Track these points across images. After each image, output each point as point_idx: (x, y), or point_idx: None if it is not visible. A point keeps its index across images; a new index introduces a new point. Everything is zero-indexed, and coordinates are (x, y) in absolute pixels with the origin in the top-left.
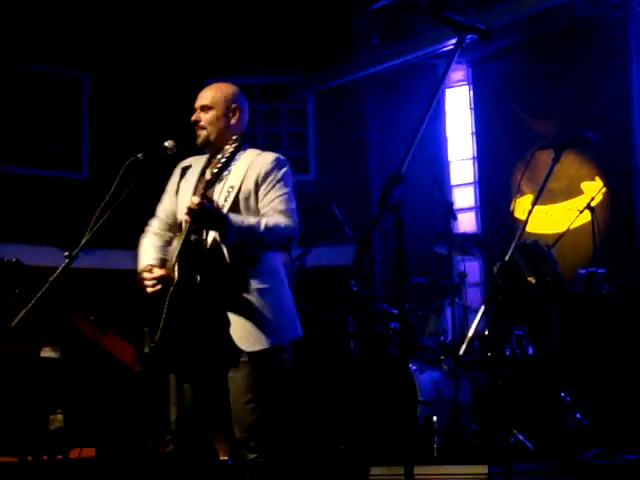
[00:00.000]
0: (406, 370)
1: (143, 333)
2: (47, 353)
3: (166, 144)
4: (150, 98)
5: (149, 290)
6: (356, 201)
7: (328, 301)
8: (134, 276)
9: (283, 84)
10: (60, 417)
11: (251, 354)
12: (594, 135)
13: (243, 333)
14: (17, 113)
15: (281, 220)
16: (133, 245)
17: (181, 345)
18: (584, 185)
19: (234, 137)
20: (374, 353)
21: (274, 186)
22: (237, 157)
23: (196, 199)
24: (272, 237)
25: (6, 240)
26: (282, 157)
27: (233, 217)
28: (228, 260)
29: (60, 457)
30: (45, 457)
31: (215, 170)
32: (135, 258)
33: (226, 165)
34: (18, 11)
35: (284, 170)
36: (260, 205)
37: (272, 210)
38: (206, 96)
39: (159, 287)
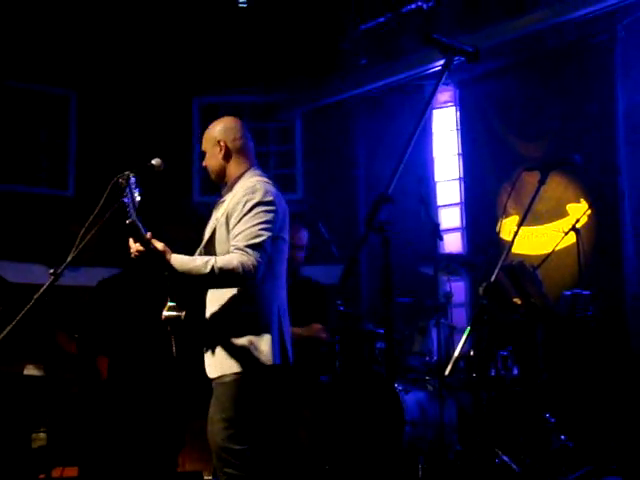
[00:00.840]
0: (392, 390)
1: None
2: (31, 371)
3: (153, 162)
4: (138, 116)
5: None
6: (343, 220)
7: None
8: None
9: (271, 103)
10: (43, 435)
11: (219, 379)
12: (580, 157)
13: (211, 361)
14: (3, 130)
15: (235, 258)
16: (118, 264)
17: (189, 375)
18: (569, 207)
19: (125, 175)
20: (360, 373)
21: (240, 220)
22: (235, 186)
23: (133, 246)
24: (219, 277)
25: None
26: (258, 185)
27: (175, 259)
28: (200, 294)
29: (43, 476)
30: (27, 476)
31: (128, 211)
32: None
33: (132, 208)
34: (5, 28)
35: (254, 201)
36: (229, 239)
37: (233, 247)
38: (202, 142)
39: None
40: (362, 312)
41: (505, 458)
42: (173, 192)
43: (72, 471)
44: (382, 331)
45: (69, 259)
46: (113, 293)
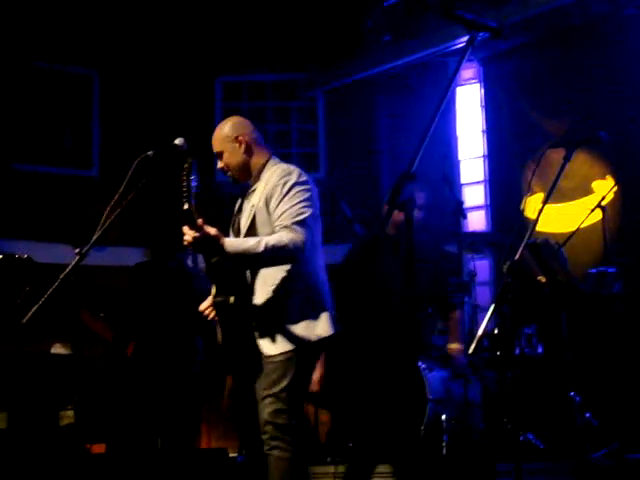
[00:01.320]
0: (415, 368)
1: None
2: (58, 349)
3: (176, 142)
4: (161, 96)
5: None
6: (366, 199)
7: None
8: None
9: (293, 82)
10: (70, 413)
11: (271, 356)
12: (605, 134)
13: (266, 340)
14: (27, 110)
15: (284, 236)
16: (143, 242)
17: (234, 357)
18: (595, 184)
19: (187, 161)
20: (383, 351)
21: (281, 201)
22: (262, 174)
23: (189, 232)
24: (272, 255)
25: (17, 237)
26: (292, 167)
27: (228, 242)
28: (249, 276)
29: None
30: (55, 453)
31: (184, 202)
32: (145, 255)
33: (187, 191)
34: (28, 8)
35: (291, 182)
36: (272, 221)
37: (279, 226)
38: (214, 144)
39: (214, 314)
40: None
41: (530, 436)
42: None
43: (99, 448)
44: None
45: (94, 239)
46: (147, 275)
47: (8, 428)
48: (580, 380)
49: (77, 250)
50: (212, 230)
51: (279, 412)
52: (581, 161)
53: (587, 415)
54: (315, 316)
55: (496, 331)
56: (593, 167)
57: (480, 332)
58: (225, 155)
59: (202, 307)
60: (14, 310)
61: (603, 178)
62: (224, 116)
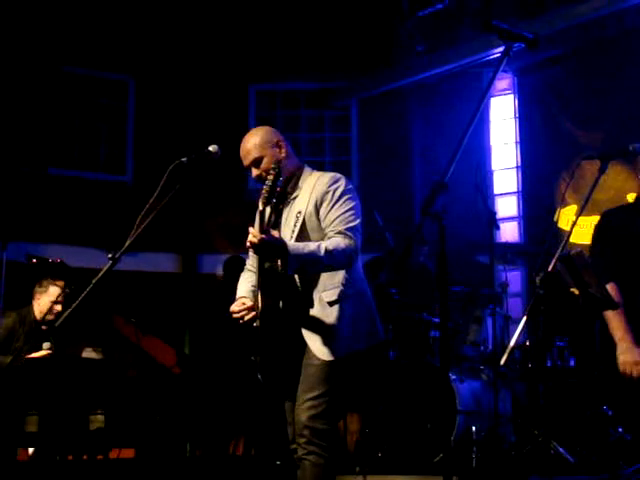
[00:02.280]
0: (446, 379)
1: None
2: (89, 354)
3: (210, 149)
4: (195, 103)
5: (242, 320)
6: (398, 208)
7: None
8: (176, 279)
9: (327, 90)
10: (101, 417)
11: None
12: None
13: (319, 345)
14: (63, 116)
15: (340, 241)
16: (175, 248)
17: (278, 366)
18: (630, 197)
19: (272, 167)
20: (414, 361)
21: (332, 207)
22: (301, 183)
23: (256, 233)
24: (332, 259)
25: (51, 241)
26: (338, 175)
27: (292, 246)
28: (299, 282)
29: (100, 457)
30: (85, 457)
31: (264, 202)
32: (177, 261)
33: (271, 195)
34: (66, 14)
35: (341, 189)
36: (323, 227)
37: (332, 232)
38: (249, 150)
39: (250, 316)
40: (417, 300)
41: (561, 450)
42: (229, 178)
43: (129, 452)
44: (437, 320)
45: (127, 244)
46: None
47: (39, 431)
48: (612, 394)
49: (110, 255)
50: (276, 233)
51: (318, 417)
52: (615, 173)
53: (619, 430)
54: (366, 324)
55: (528, 343)
56: (628, 180)
57: (512, 344)
58: (265, 160)
59: (234, 308)
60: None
61: (638, 191)
62: (258, 124)
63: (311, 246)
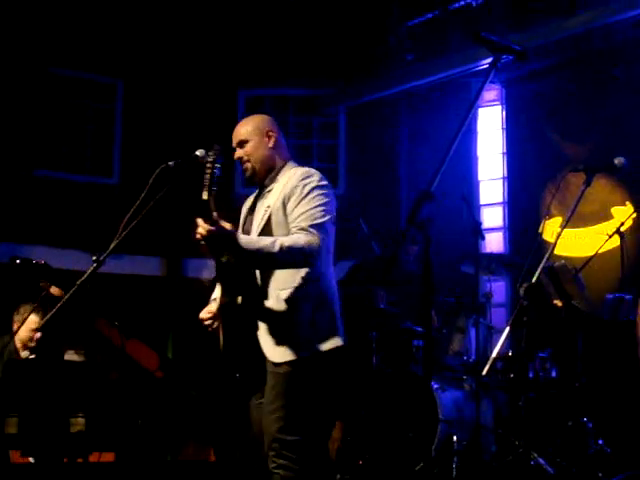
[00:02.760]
0: (428, 388)
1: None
2: (71, 356)
3: (197, 153)
4: (183, 107)
5: (210, 328)
6: (384, 217)
7: (352, 316)
8: (160, 282)
9: (316, 97)
10: (81, 420)
11: (280, 365)
12: (625, 160)
13: (271, 346)
14: (50, 117)
15: (300, 238)
16: (160, 252)
17: (240, 364)
18: (615, 210)
19: (210, 154)
20: (397, 370)
21: (300, 202)
22: (279, 177)
23: (204, 225)
24: (287, 256)
25: (35, 242)
26: (312, 170)
27: (244, 239)
28: (259, 278)
29: (80, 460)
30: (65, 460)
31: (207, 191)
32: (162, 265)
33: (211, 184)
34: (54, 15)
35: (312, 184)
36: (289, 222)
37: (295, 228)
38: (239, 132)
39: (215, 325)
40: (401, 309)
41: (541, 460)
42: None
43: (109, 456)
44: (420, 329)
45: (112, 246)
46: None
47: (18, 433)
48: (594, 406)
49: (94, 257)
50: (227, 225)
51: (286, 428)
52: (601, 186)
53: (600, 442)
54: (326, 325)
55: (510, 353)
56: (613, 193)
57: (494, 354)
58: (250, 144)
59: (202, 315)
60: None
61: (623, 204)
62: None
63: (265, 240)
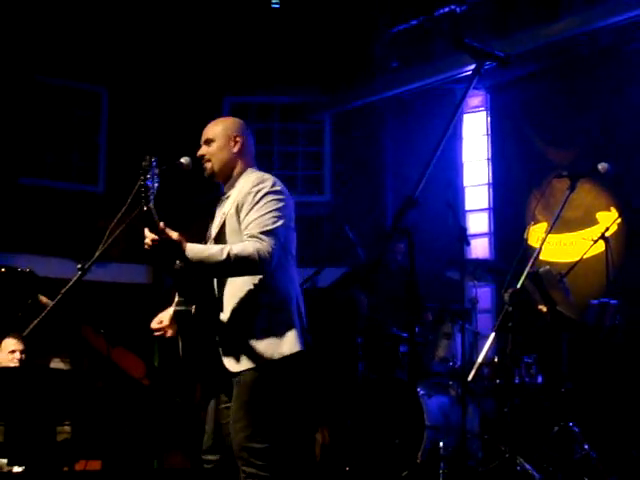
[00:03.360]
0: (414, 394)
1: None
2: (57, 364)
3: (182, 160)
4: (168, 114)
5: (166, 336)
6: (370, 223)
7: (338, 322)
8: (146, 290)
9: (301, 104)
10: (67, 428)
11: (239, 374)
12: (609, 166)
13: (233, 355)
14: (35, 125)
15: (249, 246)
16: (146, 260)
17: (198, 371)
18: (599, 215)
19: (145, 159)
20: (383, 376)
21: (251, 209)
22: (237, 183)
23: (151, 235)
24: (234, 264)
25: (20, 250)
26: (266, 176)
27: (190, 247)
28: (216, 286)
29: (66, 469)
30: (51, 468)
31: (146, 202)
32: (147, 272)
33: (147, 194)
34: (38, 24)
35: (264, 190)
36: (242, 229)
37: (247, 235)
38: (208, 130)
39: (171, 333)
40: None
41: (527, 466)
42: (200, 190)
43: (95, 464)
44: (406, 335)
45: (97, 254)
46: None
47: (5, 441)
48: (579, 411)
49: (79, 265)
50: (174, 234)
51: (253, 436)
52: (586, 192)
53: (586, 447)
54: (280, 333)
55: (496, 359)
56: (597, 198)
57: (480, 359)
58: (214, 145)
59: (154, 323)
60: (15, 323)
61: (607, 209)
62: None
63: (213, 249)
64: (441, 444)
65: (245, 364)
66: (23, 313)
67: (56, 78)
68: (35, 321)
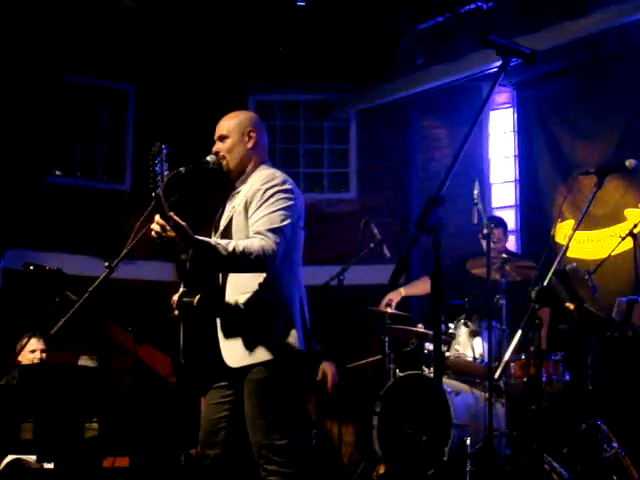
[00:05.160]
0: (440, 392)
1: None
2: (84, 362)
3: (208, 158)
4: (194, 112)
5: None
6: (396, 220)
7: (364, 320)
8: (172, 287)
9: (327, 101)
10: (95, 425)
11: (246, 370)
12: (637, 162)
13: (233, 350)
14: (62, 124)
15: (255, 242)
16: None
17: (196, 363)
18: (627, 211)
19: (155, 145)
20: (409, 373)
21: (260, 206)
22: (249, 178)
23: (160, 221)
24: (239, 260)
25: (49, 249)
26: (277, 173)
27: (198, 239)
28: (220, 280)
29: (94, 465)
30: (80, 465)
31: (154, 189)
32: (173, 269)
33: (155, 181)
34: (66, 23)
35: (274, 189)
36: (249, 226)
37: (253, 232)
38: (222, 126)
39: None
40: (413, 313)
41: (555, 464)
42: (226, 188)
43: (123, 461)
44: (432, 332)
45: (124, 252)
46: None
47: (34, 438)
48: (608, 409)
49: (107, 263)
50: (182, 222)
51: (272, 433)
52: (613, 188)
53: (614, 444)
54: (282, 330)
55: (523, 357)
56: (625, 195)
57: (507, 357)
58: (229, 141)
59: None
60: (43, 321)
61: (635, 206)
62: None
63: (219, 243)
64: (468, 442)
65: (244, 360)
66: (50, 312)
67: (83, 76)
68: (63, 319)
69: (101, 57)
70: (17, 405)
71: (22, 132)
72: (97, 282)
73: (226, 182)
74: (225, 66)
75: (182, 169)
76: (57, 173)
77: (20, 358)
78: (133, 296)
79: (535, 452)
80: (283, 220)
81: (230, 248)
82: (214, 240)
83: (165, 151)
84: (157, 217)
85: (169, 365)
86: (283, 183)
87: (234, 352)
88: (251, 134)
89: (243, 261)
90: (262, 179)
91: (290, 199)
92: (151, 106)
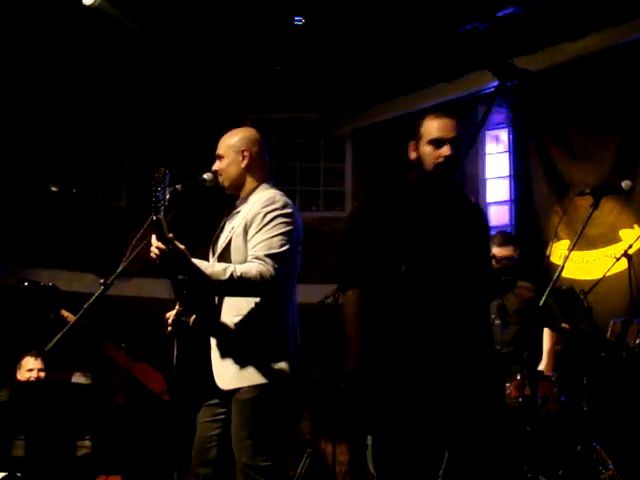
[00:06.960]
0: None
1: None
2: (78, 378)
3: (205, 176)
4: (191, 130)
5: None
6: None
7: None
8: (167, 305)
9: (322, 120)
10: (88, 443)
11: (237, 392)
12: (631, 183)
13: (226, 372)
14: (59, 140)
15: (253, 267)
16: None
17: (189, 381)
18: (622, 232)
19: (159, 170)
20: None
21: (260, 230)
22: (250, 197)
23: (158, 244)
24: (236, 285)
25: (43, 265)
26: (277, 196)
27: (196, 263)
28: (217, 301)
29: None
30: None
31: (155, 212)
32: (169, 287)
33: (157, 204)
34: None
35: (275, 213)
36: (248, 249)
37: (251, 256)
38: (220, 144)
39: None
40: None
41: None
42: (222, 206)
43: (116, 479)
44: None
45: (119, 269)
46: None
47: (25, 456)
48: (603, 431)
49: (102, 280)
50: (181, 246)
51: (257, 454)
52: (608, 209)
53: (610, 467)
54: (273, 356)
55: (518, 377)
56: (620, 215)
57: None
58: (224, 161)
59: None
60: (37, 337)
61: (630, 227)
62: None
63: (217, 267)
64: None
65: (235, 382)
66: (44, 329)
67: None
68: (57, 336)
69: (102, 76)
70: (9, 422)
71: (17, 148)
72: (92, 299)
73: (224, 200)
74: (222, 85)
75: (178, 186)
76: (53, 189)
77: (18, 376)
78: (127, 313)
79: (530, 473)
80: (282, 245)
81: (228, 273)
82: (211, 264)
83: (168, 177)
84: (154, 239)
85: (163, 382)
86: (284, 207)
87: (225, 373)
88: (245, 153)
89: (240, 286)
90: (263, 202)
91: (290, 223)
92: (148, 123)
